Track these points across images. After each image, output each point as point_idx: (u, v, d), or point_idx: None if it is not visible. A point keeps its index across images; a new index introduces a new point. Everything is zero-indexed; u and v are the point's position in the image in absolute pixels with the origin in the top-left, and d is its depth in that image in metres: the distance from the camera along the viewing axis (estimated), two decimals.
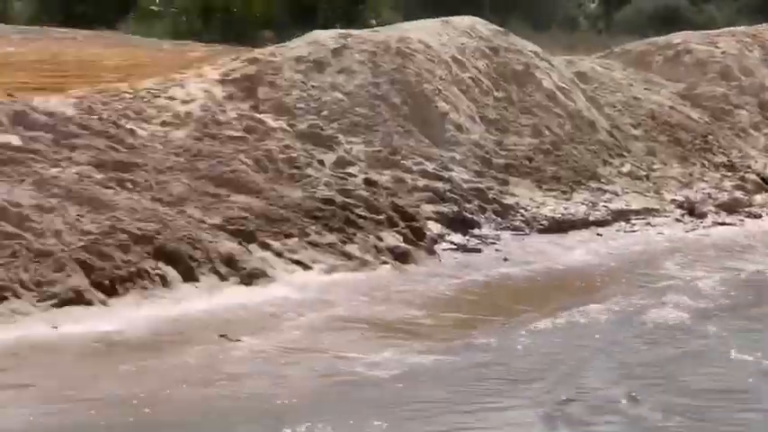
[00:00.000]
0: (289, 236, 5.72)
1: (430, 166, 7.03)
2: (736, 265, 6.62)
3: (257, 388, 3.65)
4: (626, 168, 8.10)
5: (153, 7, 19.32)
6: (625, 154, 8.27)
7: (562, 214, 7.29)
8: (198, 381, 3.69)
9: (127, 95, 6.67)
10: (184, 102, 6.72)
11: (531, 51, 8.81)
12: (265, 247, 5.54)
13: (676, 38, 10.63)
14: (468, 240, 6.63)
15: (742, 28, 11.70)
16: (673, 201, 8.00)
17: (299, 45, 7.80)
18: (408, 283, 5.65)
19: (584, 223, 7.33)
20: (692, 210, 7.94)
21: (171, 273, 4.99)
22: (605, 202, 7.64)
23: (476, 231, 6.72)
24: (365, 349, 4.22)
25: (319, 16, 16.59)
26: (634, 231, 7.42)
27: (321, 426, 3.13)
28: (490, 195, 7.11)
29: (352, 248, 5.85)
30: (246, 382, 3.74)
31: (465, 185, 7.03)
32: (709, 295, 5.63)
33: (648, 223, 7.61)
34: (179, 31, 16.96)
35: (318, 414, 3.27)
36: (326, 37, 7.89)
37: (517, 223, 7.05)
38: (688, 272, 6.32)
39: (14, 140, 5.57)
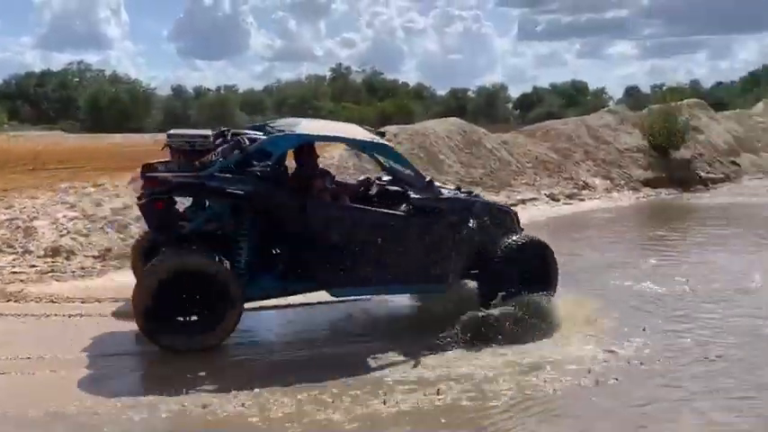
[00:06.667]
0: None
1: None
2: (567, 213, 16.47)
3: None
4: (523, 181, 18.02)
5: None
6: (523, 175, 18.20)
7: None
8: None
9: None
10: None
11: (482, 131, 18.86)
12: None
13: (548, 124, 21.42)
14: None
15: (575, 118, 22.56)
16: (545, 194, 17.83)
17: None
18: None
19: None
20: (552, 197, 17.74)
21: None
22: (515, 195, 17.42)
23: None
24: None
25: None
26: (526, 208, 17.20)
27: None
28: None
29: None
30: None
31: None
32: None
33: (534, 205, 17.39)
34: None
35: None
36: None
37: None
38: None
39: None
